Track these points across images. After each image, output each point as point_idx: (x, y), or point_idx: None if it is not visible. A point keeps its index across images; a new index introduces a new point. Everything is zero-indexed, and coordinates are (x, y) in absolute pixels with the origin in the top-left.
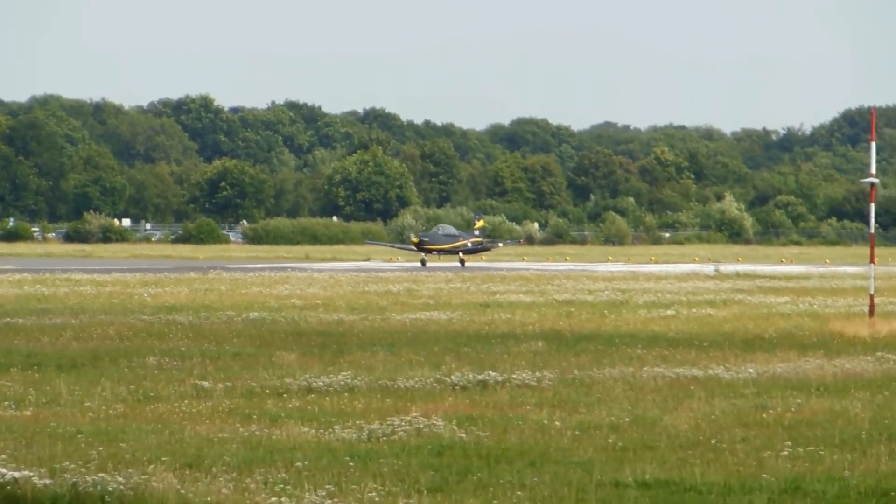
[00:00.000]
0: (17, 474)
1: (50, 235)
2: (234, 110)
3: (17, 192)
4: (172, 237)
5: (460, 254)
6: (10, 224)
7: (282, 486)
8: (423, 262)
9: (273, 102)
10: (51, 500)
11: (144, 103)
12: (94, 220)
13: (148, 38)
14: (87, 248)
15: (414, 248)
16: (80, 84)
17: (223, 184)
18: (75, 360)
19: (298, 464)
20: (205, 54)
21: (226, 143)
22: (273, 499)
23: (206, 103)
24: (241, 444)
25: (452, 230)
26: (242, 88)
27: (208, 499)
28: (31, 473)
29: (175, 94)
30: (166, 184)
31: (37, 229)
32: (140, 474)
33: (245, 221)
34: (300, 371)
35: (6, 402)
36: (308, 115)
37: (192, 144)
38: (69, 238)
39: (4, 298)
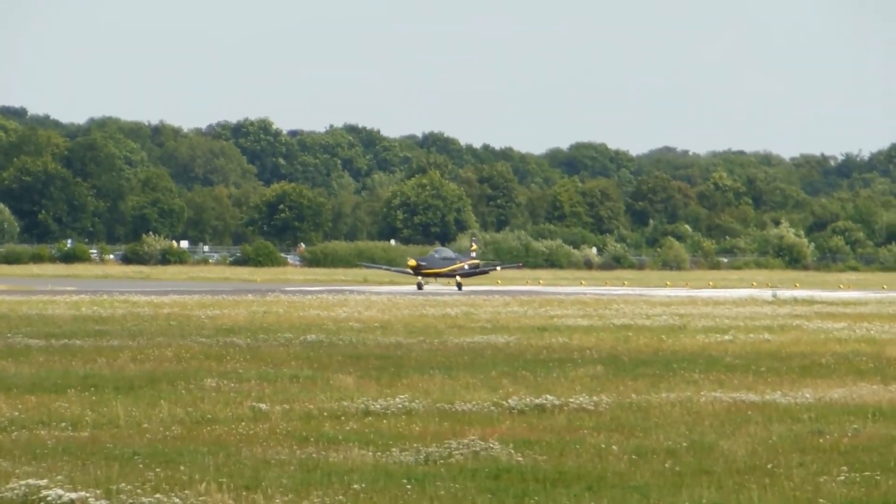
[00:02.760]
0: (73, 495)
1: (108, 257)
2: (293, 133)
3: (75, 214)
4: (230, 259)
5: (457, 277)
6: (69, 245)
7: None
8: (420, 286)
9: (332, 126)
10: None
11: (203, 126)
12: (152, 243)
13: (207, 61)
14: (145, 269)
15: (411, 272)
16: (137, 106)
17: (281, 206)
18: (133, 381)
19: (356, 486)
20: (264, 78)
21: (285, 166)
22: None
23: (265, 126)
24: (299, 466)
25: (450, 253)
26: (301, 112)
27: None
28: (88, 494)
29: (234, 118)
30: (224, 206)
31: (95, 251)
32: (196, 496)
33: (303, 244)
34: (358, 394)
35: (63, 424)
36: (367, 139)
37: (250, 167)
38: (127, 260)
39: (62, 320)
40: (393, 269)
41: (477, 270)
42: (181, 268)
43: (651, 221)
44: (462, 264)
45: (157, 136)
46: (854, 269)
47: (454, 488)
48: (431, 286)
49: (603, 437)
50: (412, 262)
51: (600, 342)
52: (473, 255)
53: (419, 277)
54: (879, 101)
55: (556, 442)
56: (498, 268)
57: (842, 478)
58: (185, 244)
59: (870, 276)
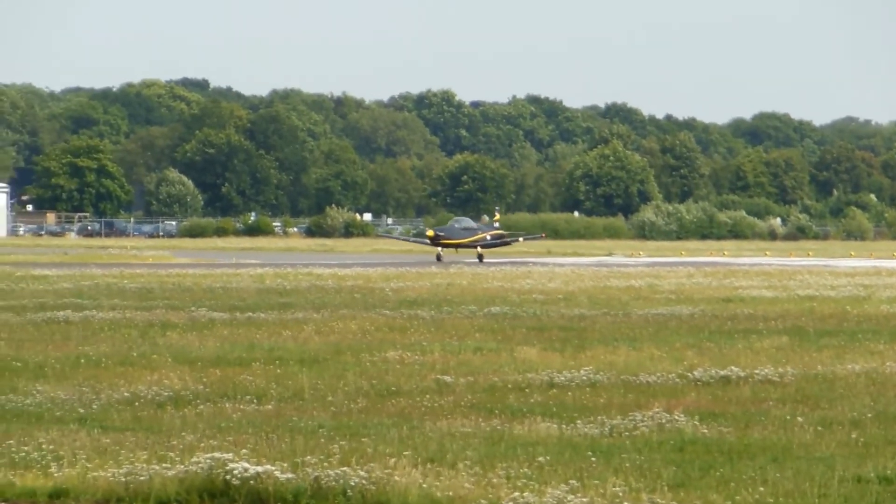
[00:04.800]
0: (259, 469)
1: (292, 230)
2: (476, 104)
3: (258, 187)
4: (414, 231)
5: (478, 248)
6: (252, 219)
7: (524, 480)
8: (439, 257)
9: (514, 97)
10: (293, 494)
11: (385, 98)
12: (335, 215)
13: (388, 32)
14: (328, 242)
15: (429, 242)
16: (320, 78)
17: (464, 178)
18: (317, 354)
19: (541, 458)
20: (447, 49)
21: (467, 137)
22: (516, 493)
23: (447, 98)
24: (483, 439)
25: (471, 223)
26: (483, 83)
27: (450, 493)
28: (274, 468)
29: (416, 89)
30: (408, 178)
31: (278, 224)
32: (382, 469)
33: (485, 216)
34: (542, 366)
35: (248, 397)
36: (549, 110)
37: (433, 139)
38: (311, 232)
39: (246, 293)
40: (411, 239)
41: (500, 241)
42: (364, 240)
43: (835, 192)
44: (484, 235)
45: (340, 108)
46: None
47: (639, 460)
48: (451, 257)
49: (788, 408)
50: (430, 233)
51: (785, 313)
52: (497, 225)
53: (438, 248)
54: None
55: (741, 414)
56: (520, 239)
57: None
58: (368, 217)
59: None
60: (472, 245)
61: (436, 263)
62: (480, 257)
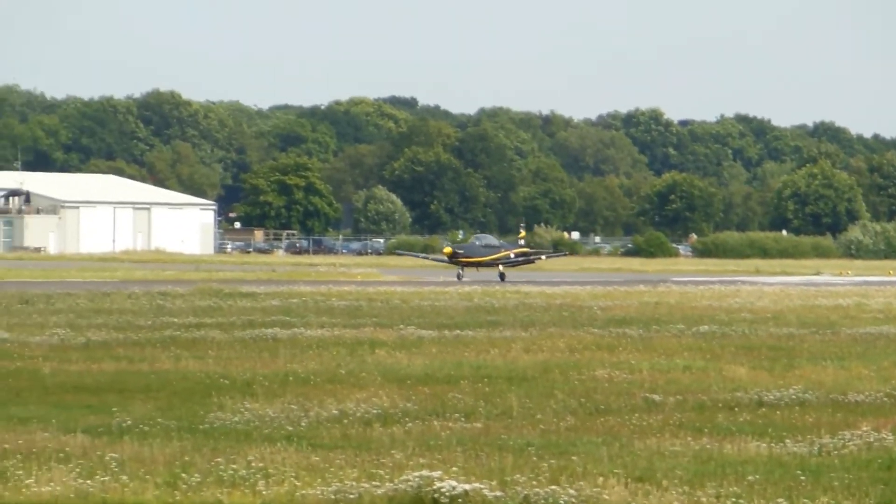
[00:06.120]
0: (468, 486)
1: None
2: (684, 123)
3: (467, 204)
4: (622, 250)
5: (500, 266)
6: (460, 236)
7: (734, 499)
8: (460, 276)
9: (722, 115)
10: None
11: (594, 116)
12: (543, 233)
13: (594, 52)
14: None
15: (447, 259)
16: (527, 97)
17: (672, 196)
18: (525, 372)
19: (750, 477)
20: (653, 69)
21: (675, 156)
22: None
23: (655, 116)
24: (693, 457)
25: (493, 241)
26: (691, 102)
27: None
28: (482, 486)
29: (624, 108)
30: (616, 197)
31: None
32: (591, 487)
33: (694, 235)
34: (750, 384)
35: (457, 415)
36: (757, 129)
37: (641, 157)
38: None
39: (454, 311)
40: (430, 256)
41: (525, 259)
42: (572, 259)
43: None
44: (507, 252)
45: (548, 127)
46: None
47: (847, 479)
48: (473, 276)
49: None
50: (448, 250)
51: None
52: (521, 242)
53: (459, 268)
54: None
55: None
56: (543, 257)
57: None
58: (575, 235)
59: None
60: (494, 263)
61: (638, 284)
62: (502, 276)
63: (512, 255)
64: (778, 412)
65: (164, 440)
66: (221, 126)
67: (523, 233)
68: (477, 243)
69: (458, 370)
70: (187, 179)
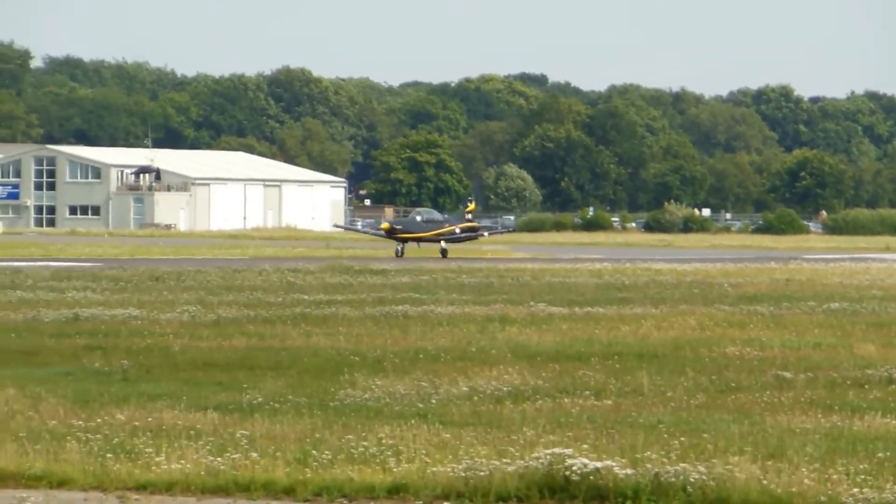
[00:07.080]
0: (598, 464)
1: (630, 225)
2: (814, 100)
3: (597, 182)
4: (752, 227)
5: (441, 242)
6: (590, 213)
7: (864, 476)
8: (399, 253)
9: (852, 92)
10: (633, 489)
11: (724, 93)
12: (674, 210)
13: (720, 28)
14: (667, 237)
15: (384, 234)
16: (658, 73)
17: (803, 173)
18: (656, 349)
19: (880, 454)
20: (784, 43)
21: (806, 133)
22: (855, 489)
23: (786, 93)
24: (823, 435)
25: (436, 216)
26: (822, 78)
27: (792, 489)
28: (613, 463)
29: (755, 84)
30: (746, 173)
31: (616, 218)
32: (723, 465)
33: (825, 212)
34: (881, 362)
35: (587, 392)
36: (888, 106)
37: (772, 134)
38: (649, 228)
39: (584, 287)
40: (369, 231)
41: (471, 235)
42: (703, 236)
43: None
44: (451, 228)
45: (678, 103)
46: None
47: None
48: (414, 254)
49: None
50: (385, 226)
51: None
52: (469, 216)
53: (397, 243)
54: None
55: None
56: (485, 234)
57: None
58: (706, 212)
59: None
60: (436, 239)
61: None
62: (444, 252)
63: (457, 231)
64: None
65: (294, 417)
66: (352, 103)
67: (471, 206)
68: (418, 218)
69: (589, 347)
70: (318, 156)
